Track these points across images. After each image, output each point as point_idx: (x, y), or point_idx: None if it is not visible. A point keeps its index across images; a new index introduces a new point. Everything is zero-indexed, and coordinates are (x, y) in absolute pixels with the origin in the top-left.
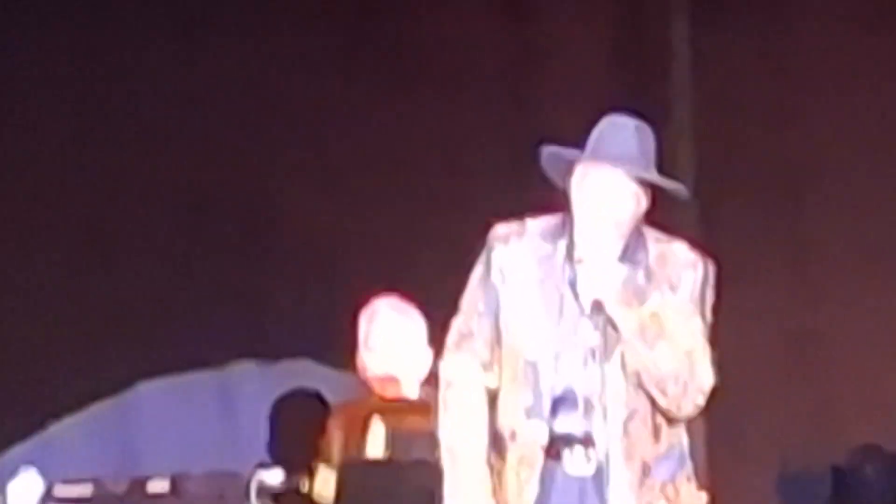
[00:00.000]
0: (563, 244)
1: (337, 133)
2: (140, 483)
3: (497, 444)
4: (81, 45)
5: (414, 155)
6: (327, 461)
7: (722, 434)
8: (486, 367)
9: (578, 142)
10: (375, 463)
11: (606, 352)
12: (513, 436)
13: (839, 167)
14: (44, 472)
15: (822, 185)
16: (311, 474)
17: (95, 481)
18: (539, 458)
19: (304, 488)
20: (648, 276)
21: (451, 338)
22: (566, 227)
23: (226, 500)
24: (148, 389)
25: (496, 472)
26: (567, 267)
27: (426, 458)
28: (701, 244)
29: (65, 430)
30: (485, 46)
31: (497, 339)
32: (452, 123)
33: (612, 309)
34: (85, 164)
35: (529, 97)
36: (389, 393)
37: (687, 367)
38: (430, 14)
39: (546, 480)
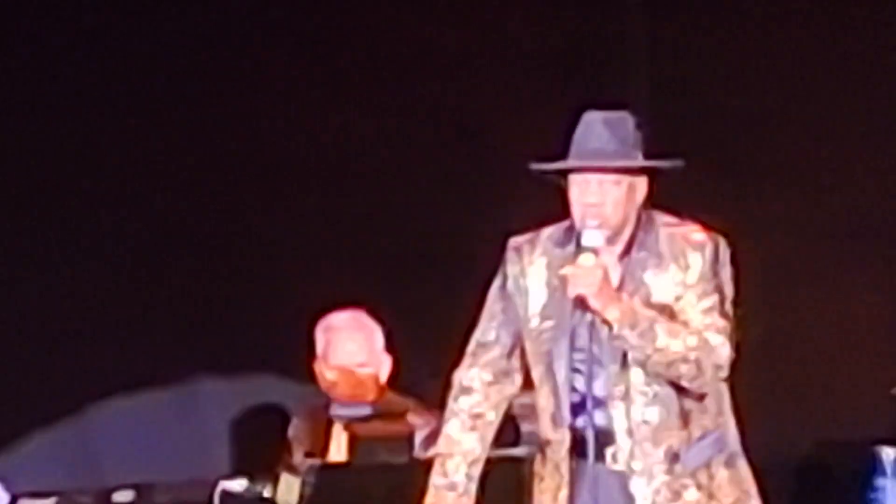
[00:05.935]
0: (571, 248)
1: (300, 144)
2: (105, 494)
3: (541, 450)
4: None
5: (376, 168)
6: (290, 468)
7: None
8: (504, 375)
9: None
10: (338, 467)
11: (611, 347)
12: (547, 443)
13: (798, 154)
14: (9, 486)
15: (781, 171)
16: (275, 481)
17: (61, 494)
18: (566, 462)
19: (269, 494)
20: (658, 261)
21: (469, 347)
22: (573, 232)
23: None
24: (113, 404)
25: (538, 478)
26: None
27: (388, 462)
28: (710, 225)
29: (30, 443)
30: (434, 52)
31: (518, 347)
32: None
33: (594, 303)
34: (40, 170)
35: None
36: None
37: (699, 345)
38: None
39: (576, 482)
